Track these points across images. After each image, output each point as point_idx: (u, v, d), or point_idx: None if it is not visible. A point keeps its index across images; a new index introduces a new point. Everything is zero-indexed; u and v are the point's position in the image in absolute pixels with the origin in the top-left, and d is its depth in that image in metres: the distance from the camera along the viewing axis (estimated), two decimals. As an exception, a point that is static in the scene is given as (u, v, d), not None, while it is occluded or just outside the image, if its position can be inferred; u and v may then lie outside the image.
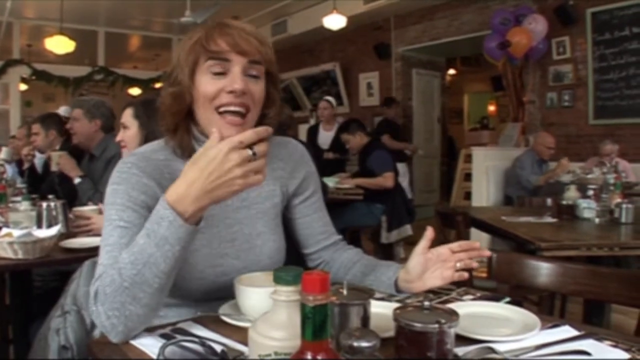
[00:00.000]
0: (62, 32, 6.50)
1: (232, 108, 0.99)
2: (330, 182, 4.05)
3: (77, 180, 2.62)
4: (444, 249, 1.03)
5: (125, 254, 0.87)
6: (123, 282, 0.84)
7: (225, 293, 1.03)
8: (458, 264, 1.02)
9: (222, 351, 0.71)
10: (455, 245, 1.04)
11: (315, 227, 1.23)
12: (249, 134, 0.80)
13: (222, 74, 1.00)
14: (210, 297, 1.06)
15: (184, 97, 1.02)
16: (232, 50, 0.99)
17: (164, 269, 0.85)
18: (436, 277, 1.03)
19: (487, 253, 1.09)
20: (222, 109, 1.00)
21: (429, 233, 1.03)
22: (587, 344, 0.83)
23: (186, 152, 1.06)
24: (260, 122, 1.07)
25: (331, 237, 1.25)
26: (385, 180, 3.97)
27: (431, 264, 1.03)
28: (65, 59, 7.36)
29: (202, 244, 1.05)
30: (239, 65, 0.99)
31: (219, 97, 1.00)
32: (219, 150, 0.80)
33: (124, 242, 0.92)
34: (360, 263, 1.19)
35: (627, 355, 0.79)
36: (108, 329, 0.86)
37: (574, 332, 0.89)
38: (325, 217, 1.26)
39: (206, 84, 1.00)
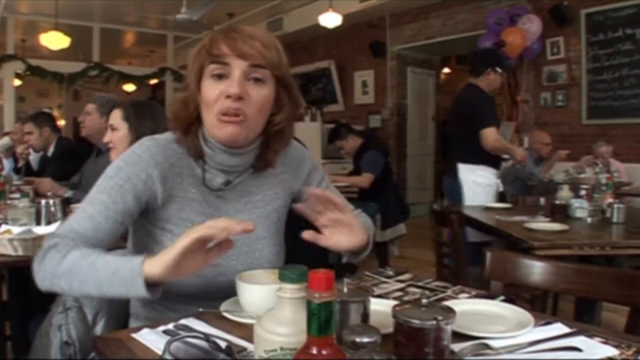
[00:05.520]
0: (57, 27, 6.47)
1: (227, 118, 1.01)
2: None
3: (68, 194, 2.56)
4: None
5: (81, 253, 0.93)
6: (56, 271, 0.93)
7: (223, 294, 1.04)
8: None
9: (227, 346, 0.73)
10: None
11: None
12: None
13: (222, 77, 1.01)
14: (208, 297, 1.07)
15: (190, 102, 1.06)
16: (232, 54, 1.00)
17: (88, 293, 0.93)
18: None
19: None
20: (221, 115, 1.02)
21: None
22: (578, 341, 0.86)
23: (195, 153, 1.09)
24: (265, 128, 1.09)
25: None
26: (362, 180, 3.95)
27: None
28: (60, 54, 7.35)
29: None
30: (239, 69, 1.01)
31: (218, 101, 1.02)
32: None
33: (90, 221, 1.00)
34: None
35: (616, 352, 0.82)
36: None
37: (566, 329, 0.91)
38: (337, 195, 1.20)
39: (208, 88, 1.03)
